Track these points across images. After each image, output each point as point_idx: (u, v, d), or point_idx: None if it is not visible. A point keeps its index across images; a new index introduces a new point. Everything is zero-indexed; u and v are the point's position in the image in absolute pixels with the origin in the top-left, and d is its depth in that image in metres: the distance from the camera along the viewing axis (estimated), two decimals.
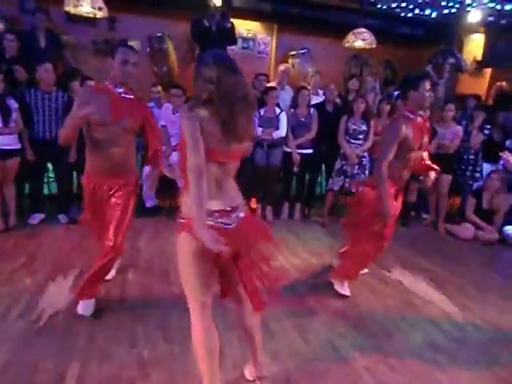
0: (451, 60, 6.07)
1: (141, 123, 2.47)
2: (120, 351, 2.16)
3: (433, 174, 2.90)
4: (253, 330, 1.92)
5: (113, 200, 2.42)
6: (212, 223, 1.57)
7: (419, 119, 2.69)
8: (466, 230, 4.45)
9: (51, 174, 4.42)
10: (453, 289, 3.21)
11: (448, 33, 6.21)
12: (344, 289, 2.98)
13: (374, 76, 6.28)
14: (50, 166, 4.22)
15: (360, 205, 2.86)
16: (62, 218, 4.07)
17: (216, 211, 1.60)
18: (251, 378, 2.03)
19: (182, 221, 1.66)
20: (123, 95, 2.34)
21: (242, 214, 1.69)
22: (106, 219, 2.41)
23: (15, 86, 4.04)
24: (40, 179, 4.16)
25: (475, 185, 4.75)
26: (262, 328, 2.44)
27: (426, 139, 2.80)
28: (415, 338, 2.50)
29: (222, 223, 1.61)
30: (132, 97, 2.39)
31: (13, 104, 3.61)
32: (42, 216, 4.05)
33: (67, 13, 4.90)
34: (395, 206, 2.78)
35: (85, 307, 2.44)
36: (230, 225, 1.63)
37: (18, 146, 3.70)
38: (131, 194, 2.49)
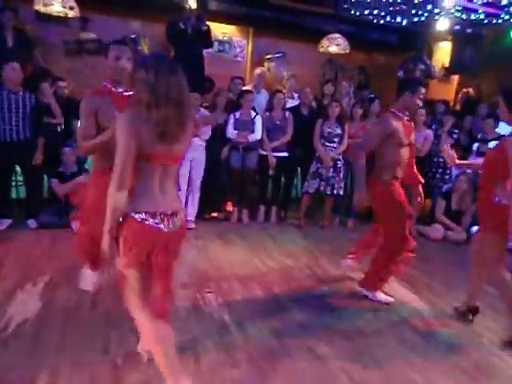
0: (421, 66, 6.28)
1: None
2: (92, 358, 2.10)
3: (420, 194, 3.06)
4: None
5: None
6: (151, 223, 1.61)
7: (406, 119, 2.81)
8: (436, 231, 4.59)
9: (20, 178, 4.27)
10: (423, 287, 3.30)
11: (418, 40, 6.43)
12: (379, 297, 2.96)
13: (349, 81, 6.42)
14: (18, 168, 4.08)
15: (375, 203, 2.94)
16: (31, 223, 3.93)
17: (160, 213, 1.63)
18: None
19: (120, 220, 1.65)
20: (124, 93, 2.23)
21: (179, 221, 1.71)
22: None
23: None
24: (6, 183, 4.01)
25: (445, 187, 4.92)
26: (237, 329, 2.46)
27: (412, 137, 2.91)
28: (389, 337, 2.55)
29: (158, 225, 1.62)
30: (132, 93, 2.17)
31: None
32: (9, 221, 3.90)
33: (37, 12, 4.78)
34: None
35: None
36: (166, 229, 1.65)
37: None
38: None
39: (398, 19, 6.17)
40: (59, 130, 4.32)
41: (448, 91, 6.81)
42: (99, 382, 1.95)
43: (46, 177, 4.25)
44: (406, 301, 3.05)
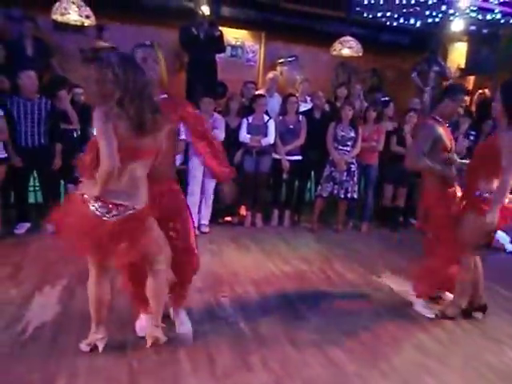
0: (436, 68, 6.21)
1: (180, 120, 2.25)
2: (108, 362, 2.12)
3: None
4: (150, 292, 2.19)
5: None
6: (95, 210, 1.79)
7: (446, 125, 2.84)
8: None
9: (37, 183, 4.36)
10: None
11: (432, 41, 6.36)
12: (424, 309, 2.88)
13: (362, 83, 6.39)
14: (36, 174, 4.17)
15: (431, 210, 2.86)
16: (50, 227, 4.00)
17: (113, 204, 1.79)
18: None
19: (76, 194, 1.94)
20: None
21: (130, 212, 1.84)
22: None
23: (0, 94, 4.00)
24: (24, 187, 4.10)
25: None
26: (251, 333, 2.45)
27: (453, 142, 2.90)
28: (406, 343, 2.52)
29: (103, 213, 1.80)
30: (166, 96, 2.18)
31: None
32: (27, 225, 3.99)
33: (55, 21, 4.89)
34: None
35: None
36: (110, 216, 1.80)
37: (3, 155, 3.65)
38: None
39: (412, 21, 6.12)
40: (75, 135, 4.39)
41: None
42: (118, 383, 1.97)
43: (62, 182, 4.33)
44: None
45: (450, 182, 2.80)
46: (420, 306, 2.91)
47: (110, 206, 1.79)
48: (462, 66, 6.86)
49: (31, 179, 4.22)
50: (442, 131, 2.74)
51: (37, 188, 4.46)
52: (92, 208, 1.79)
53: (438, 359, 2.35)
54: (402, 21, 6.11)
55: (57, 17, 4.71)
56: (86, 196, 1.82)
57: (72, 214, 1.87)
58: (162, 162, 2.08)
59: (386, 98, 5.54)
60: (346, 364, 2.25)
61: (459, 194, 2.81)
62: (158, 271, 2.12)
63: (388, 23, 6.32)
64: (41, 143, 3.88)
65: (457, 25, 5.95)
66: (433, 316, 2.82)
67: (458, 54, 6.98)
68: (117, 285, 2.97)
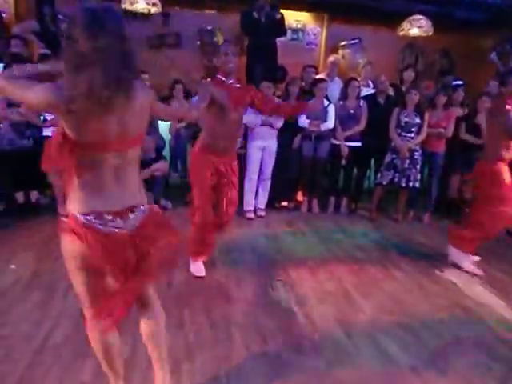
0: None
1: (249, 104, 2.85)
2: (167, 332, 2.25)
3: None
4: (152, 339, 1.71)
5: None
6: (101, 227, 1.34)
7: None
8: None
9: None
10: (510, 292, 2.99)
11: None
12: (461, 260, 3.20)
13: (431, 66, 5.96)
14: None
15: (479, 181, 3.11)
16: None
17: (110, 213, 1.36)
18: None
19: (63, 219, 1.41)
20: (235, 85, 2.67)
21: (141, 214, 1.45)
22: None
23: None
24: None
25: None
26: (303, 318, 2.47)
27: None
28: (469, 343, 2.37)
29: (114, 227, 1.37)
30: (238, 85, 2.71)
31: None
32: None
33: (124, 10, 5.13)
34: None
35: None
36: (124, 229, 1.39)
37: None
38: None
39: None
40: None
41: None
42: (174, 355, 2.09)
43: None
44: (491, 307, 2.80)
45: None
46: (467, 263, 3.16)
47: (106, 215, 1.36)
48: None
49: None
50: None
51: None
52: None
53: (503, 362, 2.20)
54: None
55: (126, 6, 4.94)
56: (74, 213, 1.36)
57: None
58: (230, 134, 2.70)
59: (459, 82, 5.14)
60: (400, 357, 2.19)
61: None
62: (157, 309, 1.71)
63: None
64: None
65: None
66: (481, 273, 3.15)
67: None
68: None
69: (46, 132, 3.75)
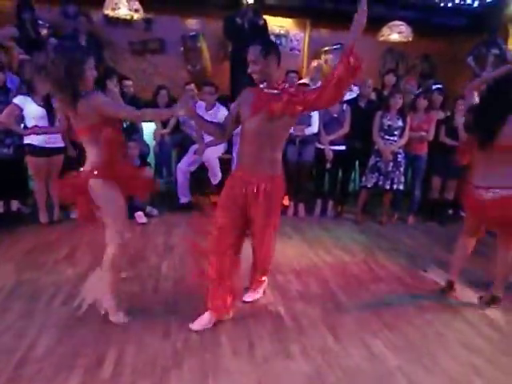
0: (495, 51, 5.77)
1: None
2: (155, 340, 2.23)
3: None
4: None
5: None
6: None
7: None
8: None
9: None
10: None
11: (491, 22, 5.91)
12: None
13: (411, 70, 6.09)
14: None
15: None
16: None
17: None
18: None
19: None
20: (267, 91, 2.21)
21: None
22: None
23: None
24: None
25: None
26: (291, 322, 2.47)
27: None
28: (452, 340, 2.42)
29: None
30: (276, 91, 2.19)
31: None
32: None
33: (106, 16, 5.10)
34: None
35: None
36: None
37: (63, 144, 3.89)
38: None
39: (469, 1, 5.73)
40: (125, 126, 4.58)
41: None
42: (162, 363, 2.07)
43: None
44: (475, 306, 2.85)
45: None
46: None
47: None
48: None
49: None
50: None
51: None
52: None
53: (487, 359, 2.25)
54: (457, 1, 5.73)
55: (108, 12, 4.91)
56: None
57: None
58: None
59: (439, 86, 5.26)
60: (388, 357, 2.21)
61: None
62: None
63: (442, 4, 5.95)
64: None
65: None
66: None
67: None
68: (163, 270, 3.11)
69: (27, 140, 3.68)
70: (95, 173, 2.19)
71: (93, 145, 2.18)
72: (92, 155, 2.21)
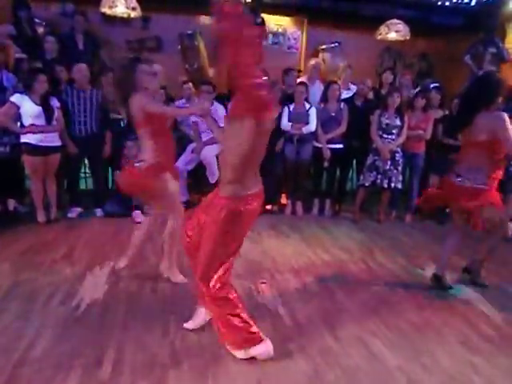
0: (492, 49, 5.77)
1: None
2: (153, 340, 2.22)
3: None
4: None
5: None
6: None
7: None
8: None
9: (88, 170, 4.60)
10: (491, 289, 3.07)
11: (488, 21, 5.91)
12: None
13: (409, 69, 6.08)
14: (86, 161, 4.40)
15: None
16: (98, 211, 4.23)
17: None
18: None
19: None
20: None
21: None
22: None
23: (55, 85, 4.22)
24: (76, 174, 4.35)
25: None
26: (290, 321, 2.47)
27: None
28: (451, 338, 2.43)
29: None
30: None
31: (55, 103, 3.78)
32: (79, 210, 4.23)
33: (103, 14, 5.07)
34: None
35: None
36: None
37: (59, 143, 3.87)
38: None
39: (466, 0, 5.73)
40: (122, 124, 4.57)
41: None
42: (160, 362, 2.06)
43: (110, 169, 4.54)
44: (470, 301, 2.88)
45: None
46: None
47: None
48: None
49: (82, 166, 4.46)
50: None
51: (87, 175, 4.71)
52: None
53: (485, 358, 2.25)
54: (455, 0, 5.73)
55: (105, 10, 4.89)
56: None
57: None
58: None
59: (436, 84, 5.26)
60: (387, 356, 2.21)
61: None
62: None
63: (439, 3, 5.95)
64: (93, 131, 4.09)
65: None
66: None
67: None
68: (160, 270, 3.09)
69: (24, 139, 3.66)
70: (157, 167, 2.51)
71: (148, 139, 2.53)
72: (147, 150, 2.54)
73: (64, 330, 2.28)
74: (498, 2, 5.68)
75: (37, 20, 5.02)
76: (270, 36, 6.19)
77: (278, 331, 2.37)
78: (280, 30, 6.52)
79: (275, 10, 6.12)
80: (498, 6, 5.75)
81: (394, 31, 5.59)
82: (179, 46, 5.86)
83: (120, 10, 4.88)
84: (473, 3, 5.74)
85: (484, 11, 5.94)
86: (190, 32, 5.79)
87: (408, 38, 5.64)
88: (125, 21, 5.42)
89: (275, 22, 6.42)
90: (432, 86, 5.21)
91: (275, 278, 3.05)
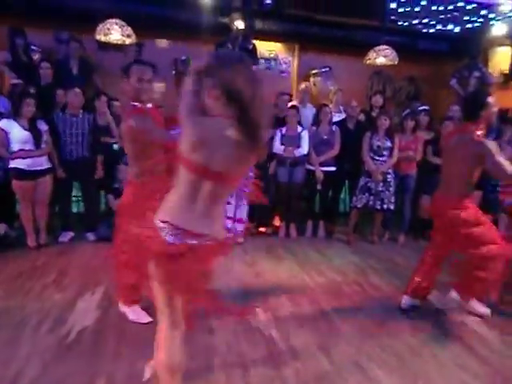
0: (476, 74, 5.97)
1: None
2: (146, 368, 2.17)
3: None
4: None
5: None
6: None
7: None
8: None
9: (79, 194, 4.58)
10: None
11: (472, 47, 6.14)
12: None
13: (398, 92, 6.24)
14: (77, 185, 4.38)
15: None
16: (90, 235, 4.19)
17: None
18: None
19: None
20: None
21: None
22: None
23: (47, 110, 4.25)
24: (68, 198, 4.33)
25: (507, 201, 4.57)
26: (285, 345, 2.43)
27: None
28: (447, 361, 2.39)
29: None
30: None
31: (43, 127, 3.81)
32: (71, 234, 4.18)
33: (98, 41, 5.17)
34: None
35: None
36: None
37: (49, 165, 3.87)
38: None
39: (450, 27, 5.95)
40: (115, 148, 4.59)
41: (508, 99, 6.40)
42: None
43: (102, 193, 4.53)
44: (467, 324, 2.85)
45: None
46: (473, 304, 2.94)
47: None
48: (506, 71, 6.55)
49: (74, 190, 4.44)
50: None
51: (79, 198, 4.69)
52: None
53: (483, 381, 2.22)
54: (439, 27, 5.95)
55: (100, 37, 4.98)
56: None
57: None
58: None
59: (425, 107, 5.39)
60: (383, 380, 2.18)
61: None
62: None
63: (425, 30, 6.17)
64: (84, 155, 4.10)
65: (499, 29, 5.73)
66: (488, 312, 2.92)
67: (501, 59, 6.68)
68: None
69: (12, 164, 3.65)
70: None
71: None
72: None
73: (53, 358, 2.22)
74: (481, 28, 5.91)
75: (33, 47, 5.11)
76: (262, 61, 6.34)
77: (273, 355, 2.33)
78: (272, 56, 6.69)
79: (267, 36, 6.30)
80: (482, 33, 5.98)
81: (382, 56, 5.75)
82: (173, 71, 5.97)
83: (115, 37, 4.97)
84: (456, 30, 5.96)
85: (468, 38, 6.17)
86: (183, 58, 5.92)
87: (396, 62, 5.81)
88: (118, 47, 5.53)
89: (267, 48, 6.60)
90: (420, 108, 5.35)
91: (269, 301, 3.01)
